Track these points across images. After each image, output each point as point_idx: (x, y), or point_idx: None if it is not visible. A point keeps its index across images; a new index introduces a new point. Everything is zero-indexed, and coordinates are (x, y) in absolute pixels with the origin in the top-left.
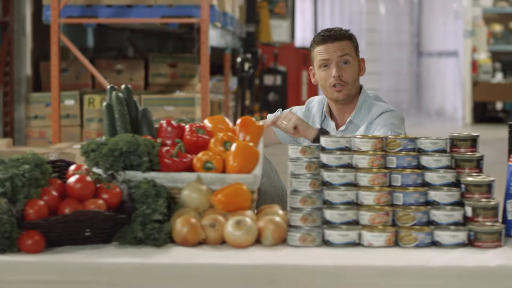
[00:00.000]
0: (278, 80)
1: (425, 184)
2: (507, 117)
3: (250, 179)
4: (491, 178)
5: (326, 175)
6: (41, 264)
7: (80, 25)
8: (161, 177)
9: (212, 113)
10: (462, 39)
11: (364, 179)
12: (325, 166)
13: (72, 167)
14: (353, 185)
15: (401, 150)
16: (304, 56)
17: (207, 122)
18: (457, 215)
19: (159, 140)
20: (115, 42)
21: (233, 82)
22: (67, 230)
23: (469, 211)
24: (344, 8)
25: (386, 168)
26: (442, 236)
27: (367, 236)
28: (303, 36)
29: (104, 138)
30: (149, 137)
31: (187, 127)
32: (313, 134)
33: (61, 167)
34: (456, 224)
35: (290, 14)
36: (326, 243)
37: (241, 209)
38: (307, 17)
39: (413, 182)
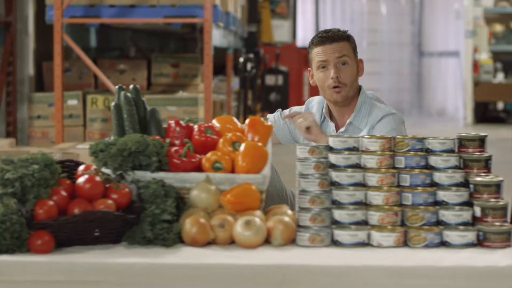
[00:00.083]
0: (280, 80)
1: (433, 184)
2: (508, 117)
3: (259, 179)
4: (500, 178)
5: (335, 175)
6: (50, 264)
7: (83, 25)
8: (170, 177)
9: (214, 113)
10: (463, 39)
11: (372, 179)
12: (334, 166)
13: (81, 167)
14: (362, 185)
15: (409, 150)
16: (305, 56)
17: (215, 122)
18: (466, 215)
19: (167, 140)
20: (118, 42)
21: (235, 82)
22: (76, 230)
23: (478, 211)
24: (345, 8)
25: (394, 168)
26: (451, 236)
27: (376, 236)
28: (305, 36)
29: (112, 138)
30: (157, 137)
31: (195, 127)
32: (323, 141)
33: (70, 167)
34: (465, 224)
35: (291, 14)
36: (335, 243)
37: (250, 209)
38: (309, 17)
39: (421, 182)
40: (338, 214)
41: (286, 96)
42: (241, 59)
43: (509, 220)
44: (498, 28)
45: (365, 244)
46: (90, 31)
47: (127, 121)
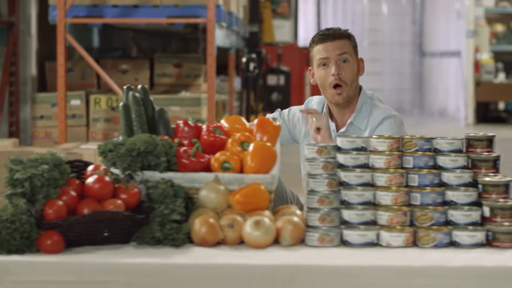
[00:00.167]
0: (282, 80)
1: (442, 184)
2: (509, 117)
3: (268, 179)
4: (508, 178)
5: (343, 175)
6: (60, 265)
7: (86, 25)
8: (179, 177)
9: (216, 113)
10: (464, 39)
11: (381, 179)
12: (342, 166)
13: (90, 167)
14: (370, 185)
15: (417, 150)
16: (307, 56)
17: (224, 122)
18: (475, 215)
19: (176, 140)
20: (120, 42)
21: (237, 82)
22: (86, 230)
23: (487, 211)
24: (346, 8)
25: (402, 168)
26: (460, 236)
27: (385, 236)
28: (306, 36)
29: (121, 138)
30: (166, 137)
31: (204, 127)
32: None
33: (79, 167)
34: (474, 224)
35: (293, 14)
36: (344, 243)
37: (259, 209)
38: (310, 17)
39: (430, 182)
40: (347, 214)
41: (288, 96)
42: (244, 59)
43: None
44: (499, 28)
45: (374, 244)
46: (93, 31)
47: (135, 121)
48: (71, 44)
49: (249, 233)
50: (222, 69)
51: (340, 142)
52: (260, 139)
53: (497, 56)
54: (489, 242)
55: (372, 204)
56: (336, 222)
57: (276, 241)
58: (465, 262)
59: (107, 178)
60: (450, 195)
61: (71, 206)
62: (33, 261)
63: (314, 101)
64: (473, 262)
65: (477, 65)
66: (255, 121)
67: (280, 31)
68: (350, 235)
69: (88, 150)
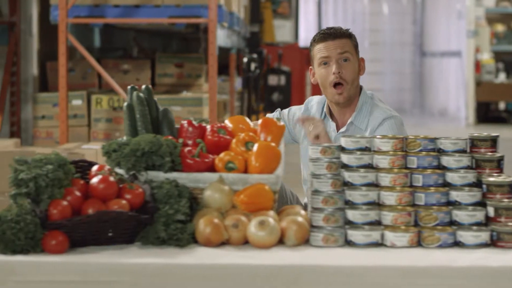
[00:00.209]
0: (282, 80)
1: (446, 184)
2: (510, 117)
3: (272, 179)
4: None
5: (347, 175)
6: (64, 265)
7: (87, 25)
8: (183, 177)
9: (217, 113)
10: (465, 39)
11: (385, 179)
12: (346, 167)
13: (95, 168)
14: (374, 185)
15: (421, 150)
16: (307, 56)
17: (228, 123)
18: (479, 215)
19: (180, 140)
20: (121, 42)
21: (237, 82)
22: (90, 231)
23: (491, 211)
24: (347, 8)
25: (407, 168)
26: (465, 236)
27: (390, 236)
28: (307, 36)
29: (125, 138)
30: (170, 137)
31: (208, 127)
32: None
33: (83, 167)
34: (478, 224)
35: (293, 14)
36: (348, 243)
37: (264, 210)
38: (311, 18)
39: (434, 183)
40: (352, 214)
41: (289, 96)
42: (245, 59)
43: None
44: (500, 28)
45: (379, 244)
46: (94, 31)
47: (139, 121)
48: (73, 44)
49: (253, 233)
50: (223, 69)
51: (344, 142)
52: (264, 139)
53: (498, 56)
54: (494, 242)
55: (377, 204)
56: (341, 222)
57: (281, 241)
58: (470, 262)
59: (111, 178)
60: (455, 195)
61: (76, 206)
62: (37, 261)
63: (314, 101)
64: (478, 262)
65: (478, 65)
66: (259, 121)
67: (280, 31)
68: (354, 235)
69: (90, 150)
